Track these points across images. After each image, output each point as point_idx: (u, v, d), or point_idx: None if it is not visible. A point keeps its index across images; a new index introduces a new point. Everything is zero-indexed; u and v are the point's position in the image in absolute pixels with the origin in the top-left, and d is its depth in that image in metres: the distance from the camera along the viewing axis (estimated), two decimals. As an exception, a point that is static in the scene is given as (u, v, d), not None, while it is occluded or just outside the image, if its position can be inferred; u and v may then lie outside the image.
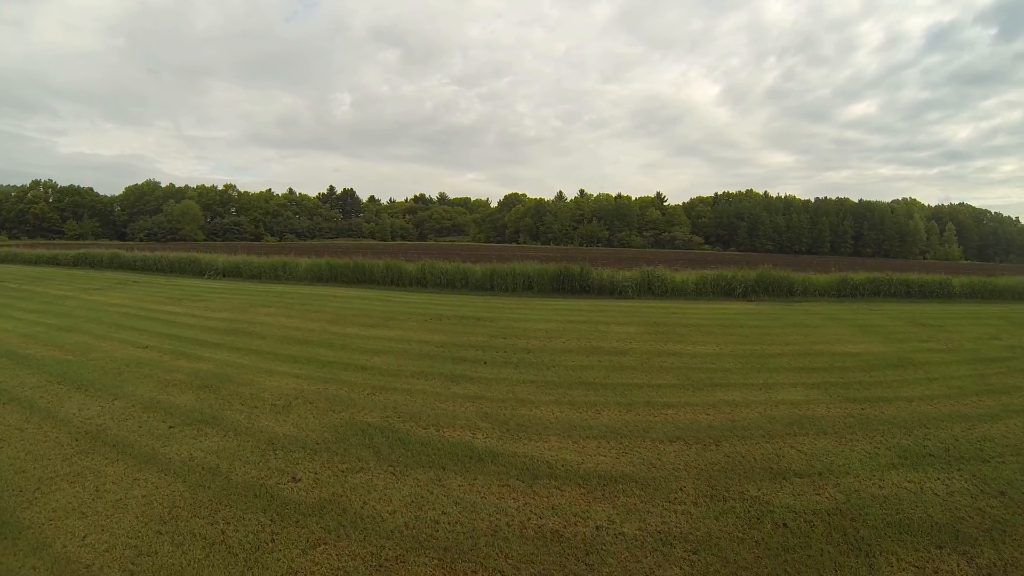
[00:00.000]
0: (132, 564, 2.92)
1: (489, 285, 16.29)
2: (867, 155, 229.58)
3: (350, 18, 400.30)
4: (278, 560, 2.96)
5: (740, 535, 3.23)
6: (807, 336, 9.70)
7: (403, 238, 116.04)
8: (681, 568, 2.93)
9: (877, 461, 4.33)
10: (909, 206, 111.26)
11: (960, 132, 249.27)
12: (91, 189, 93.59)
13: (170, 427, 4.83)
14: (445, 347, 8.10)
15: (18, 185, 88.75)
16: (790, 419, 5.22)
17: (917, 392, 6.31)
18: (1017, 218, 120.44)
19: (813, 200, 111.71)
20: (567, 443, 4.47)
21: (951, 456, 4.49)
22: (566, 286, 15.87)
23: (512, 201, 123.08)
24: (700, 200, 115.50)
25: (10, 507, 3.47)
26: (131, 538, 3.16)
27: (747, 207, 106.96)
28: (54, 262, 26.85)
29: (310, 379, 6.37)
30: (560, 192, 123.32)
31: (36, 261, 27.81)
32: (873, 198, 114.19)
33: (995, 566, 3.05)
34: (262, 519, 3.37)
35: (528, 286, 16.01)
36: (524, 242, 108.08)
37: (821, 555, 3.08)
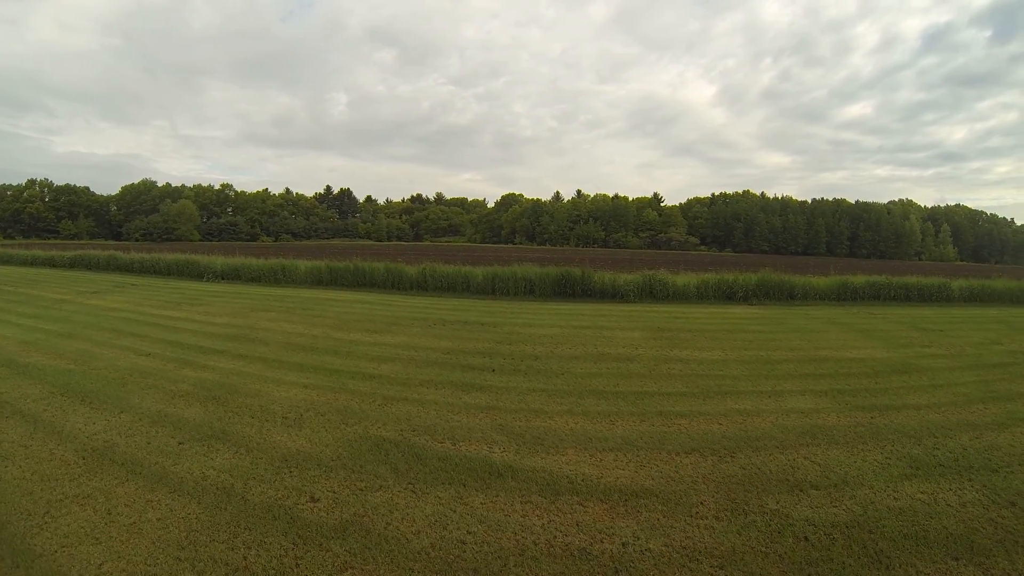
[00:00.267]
0: (153, 593, 2.81)
1: (490, 289, 16.29)
2: (863, 156, 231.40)
3: (346, 18, 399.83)
4: (305, 586, 2.89)
5: (764, 549, 3.26)
6: (810, 341, 9.75)
7: (399, 238, 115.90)
8: (708, 584, 2.94)
9: (890, 472, 4.37)
10: (905, 207, 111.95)
11: (955, 133, 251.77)
12: (87, 188, 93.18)
13: (180, 443, 4.72)
14: (452, 354, 8.10)
15: (14, 184, 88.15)
16: (802, 429, 5.26)
17: (923, 400, 6.36)
18: (1012, 219, 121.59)
19: (810, 201, 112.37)
20: (584, 456, 4.48)
21: (961, 466, 4.53)
22: (568, 290, 15.89)
23: (509, 201, 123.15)
24: (697, 201, 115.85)
25: (20, 533, 3.36)
26: (149, 565, 3.05)
27: (744, 208, 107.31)
28: (50, 263, 26.63)
29: (319, 389, 6.30)
30: (557, 192, 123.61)
31: (32, 262, 27.55)
32: (869, 199, 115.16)
33: (1011, 578, 3.07)
34: (284, 542, 3.30)
35: (529, 290, 16.02)
36: (520, 243, 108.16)
37: (843, 569, 3.11)
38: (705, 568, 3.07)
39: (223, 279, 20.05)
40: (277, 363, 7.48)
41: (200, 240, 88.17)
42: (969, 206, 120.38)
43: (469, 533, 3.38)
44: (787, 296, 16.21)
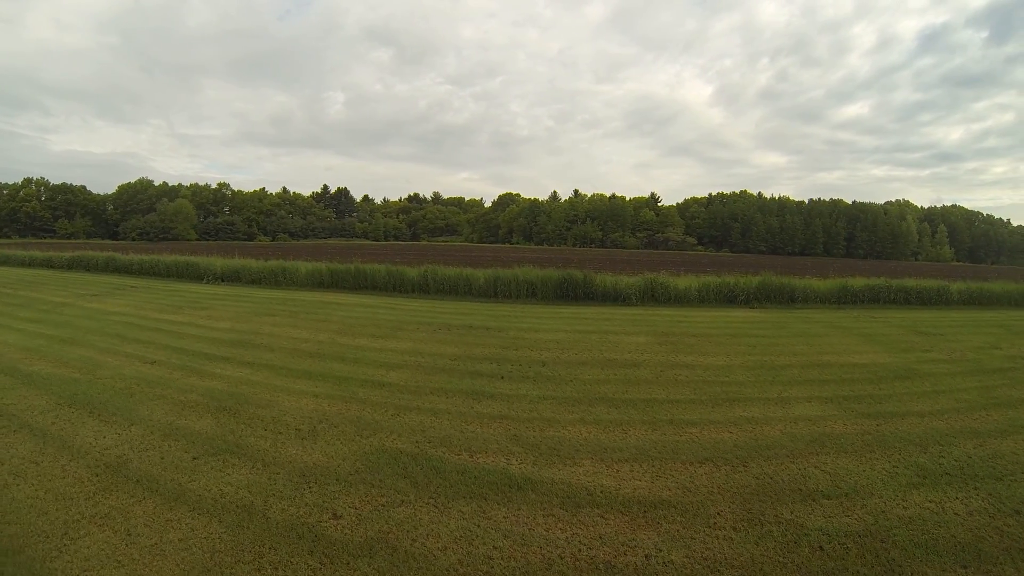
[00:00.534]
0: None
1: (492, 292, 16.32)
2: (859, 156, 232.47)
3: (343, 17, 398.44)
4: (337, 609, 2.85)
5: (781, 560, 3.34)
6: (813, 346, 9.86)
7: (396, 238, 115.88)
8: (728, 596, 3.02)
9: (898, 481, 4.46)
10: (902, 208, 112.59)
11: (952, 134, 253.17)
12: (83, 187, 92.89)
13: (194, 458, 4.65)
14: (459, 360, 8.16)
15: (10, 183, 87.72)
16: (810, 437, 5.34)
17: (927, 406, 6.46)
18: (1008, 220, 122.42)
19: (807, 201, 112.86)
20: (601, 467, 4.55)
21: (966, 475, 4.62)
22: (570, 293, 15.96)
23: (506, 201, 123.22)
24: (694, 201, 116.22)
25: (39, 556, 3.28)
26: (175, 589, 2.96)
27: (741, 208, 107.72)
28: (48, 264, 26.48)
29: (329, 398, 6.29)
30: (554, 192, 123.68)
31: (30, 263, 27.38)
32: (865, 199, 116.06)
33: (1018, 586, 3.16)
34: (311, 562, 3.27)
35: (531, 293, 16.08)
36: (518, 242, 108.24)
37: (859, 579, 3.19)
38: (727, 579, 3.14)
39: (223, 281, 20.02)
40: (284, 371, 7.46)
41: (197, 239, 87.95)
42: (965, 206, 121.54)
43: (495, 548, 3.42)
44: (787, 299, 16.33)
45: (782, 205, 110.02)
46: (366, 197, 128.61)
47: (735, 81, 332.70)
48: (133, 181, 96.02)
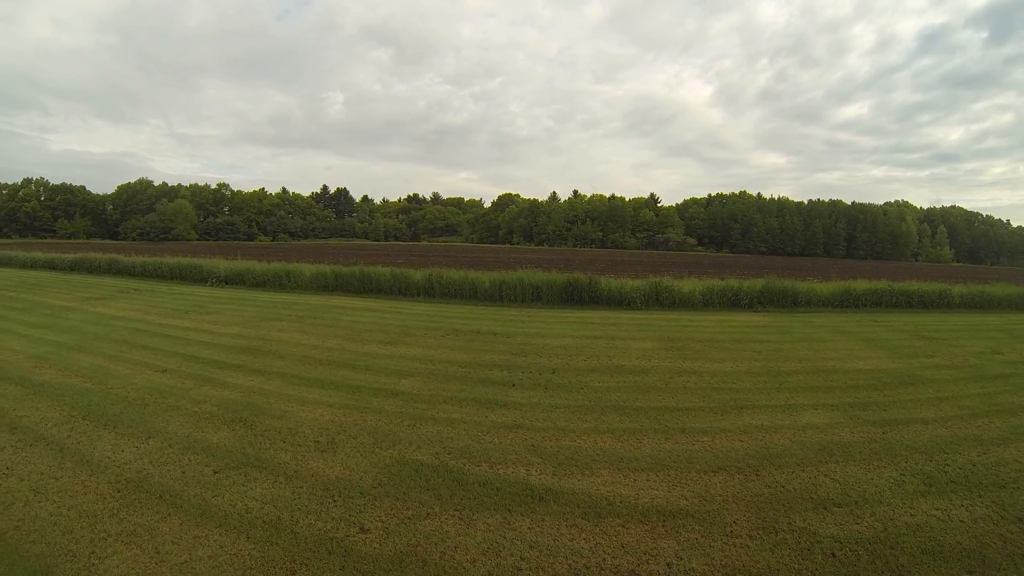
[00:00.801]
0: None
1: (498, 296, 16.40)
2: (859, 156, 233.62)
3: (341, 17, 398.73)
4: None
5: (797, 566, 3.47)
6: (817, 351, 10.00)
7: (396, 238, 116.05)
8: (747, 603, 3.14)
9: (905, 489, 4.60)
10: (902, 209, 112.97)
11: (951, 134, 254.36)
12: (83, 187, 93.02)
13: (215, 472, 4.64)
14: (469, 367, 8.27)
15: (9, 183, 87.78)
16: (819, 445, 5.48)
17: (931, 413, 6.60)
18: (1007, 221, 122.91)
19: (806, 202, 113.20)
20: (618, 477, 4.67)
21: (971, 482, 4.76)
22: (574, 296, 16.08)
23: (506, 201, 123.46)
24: (693, 201, 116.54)
25: None
26: (209, 610, 2.97)
27: (740, 209, 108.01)
28: (50, 266, 26.48)
29: (344, 408, 6.32)
30: (554, 192, 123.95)
31: (32, 264, 27.42)
32: (864, 199, 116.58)
33: (1020, 590, 3.31)
34: None
35: (536, 296, 16.19)
36: (518, 243, 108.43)
37: (870, 586, 3.33)
38: (745, 587, 3.28)
39: (227, 284, 20.05)
40: (296, 379, 7.47)
41: (197, 240, 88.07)
42: (965, 207, 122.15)
43: (523, 559, 3.51)
44: (791, 303, 16.48)
45: (782, 206, 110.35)
46: (365, 197, 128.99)
47: (734, 81, 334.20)
48: (133, 181, 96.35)
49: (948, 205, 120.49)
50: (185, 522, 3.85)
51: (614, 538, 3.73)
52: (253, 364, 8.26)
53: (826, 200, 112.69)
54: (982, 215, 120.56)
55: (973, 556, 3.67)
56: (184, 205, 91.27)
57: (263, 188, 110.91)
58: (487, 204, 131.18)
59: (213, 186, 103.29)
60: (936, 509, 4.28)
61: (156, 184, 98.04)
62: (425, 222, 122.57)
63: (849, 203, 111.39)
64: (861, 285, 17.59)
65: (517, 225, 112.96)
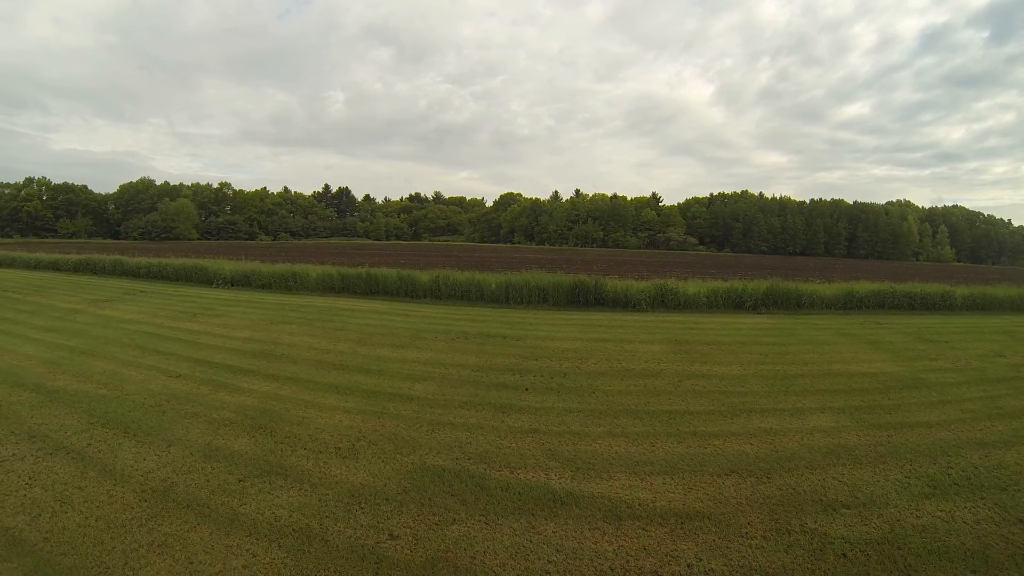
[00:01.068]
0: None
1: (504, 297, 16.53)
2: (860, 156, 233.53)
3: (342, 16, 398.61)
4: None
5: (810, 567, 3.65)
6: (822, 354, 10.16)
7: (398, 237, 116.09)
8: (764, 601, 3.31)
9: (911, 491, 4.77)
10: (903, 208, 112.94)
11: (952, 134, 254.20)
12: (85, 187, 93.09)
13: (240, 480, 4.64)
14: (482, 371, 8.41)
15: (11, 183, 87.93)
16: (827, 448, 5.66)
17: (935, 417, 6.77)
18: (1009, 220, 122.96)
19: (808, 201, 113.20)
20: (635, 480, 4.84)
21: (973, 485, 4.93)
22: (580, 298, 16.24)
23: (507, 201, 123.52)
24: (695, 200, 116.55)
25: None
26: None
27: (742, 208, 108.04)
28: (54, 267, 26.47)
29: (362, 414, 6.37)
30: (555, 192, 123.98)
31: (36, 265, 27.40)
32: (866, 198, 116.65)
33: (1022, 590, 3.48)
34: None
35: (543, 298, 16.35)
36: (519, 242, 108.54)
37: (880, 585, 3.51)
38: (762, 586, 3.45)
39: (232, 285, 20.11)
40: (311, 384, 7.52)
41: (199, 239, 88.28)
42: (966, 207, 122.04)
43: (550, 563, 3.63)
44: (794, 305, 16.63)
45: (783, 205, 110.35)
46: (367, 196, 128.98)
47: (735, 80, 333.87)
48: (134, 180, 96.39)
49: (950, 204, 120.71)
50: (215, 531, 3.84)
51: (635, 540, 3.89)
52: (267, 369, 8.31)
53: (828, 199, 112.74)
54: (983, 215, 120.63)
55: (977, 557, 3.84)
56: (186, 204, 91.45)
57: (264, 187, 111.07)
58: (489, 203, 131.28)
59: (215, 185, 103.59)
60: (941, 511, 4.45)
61: (158, 183, 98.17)
62: (427, 221, 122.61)
63: (851, 202, 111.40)
64: (864, 287, 17.74)
65: (519, 224, 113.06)
